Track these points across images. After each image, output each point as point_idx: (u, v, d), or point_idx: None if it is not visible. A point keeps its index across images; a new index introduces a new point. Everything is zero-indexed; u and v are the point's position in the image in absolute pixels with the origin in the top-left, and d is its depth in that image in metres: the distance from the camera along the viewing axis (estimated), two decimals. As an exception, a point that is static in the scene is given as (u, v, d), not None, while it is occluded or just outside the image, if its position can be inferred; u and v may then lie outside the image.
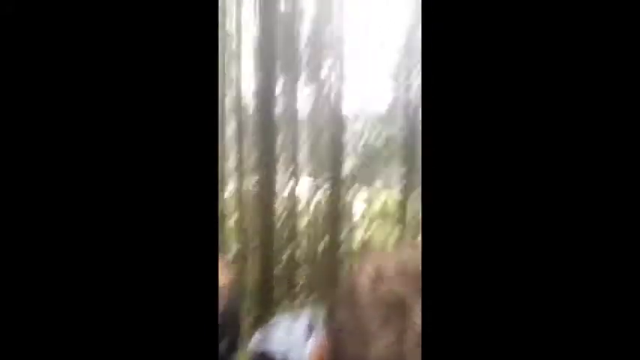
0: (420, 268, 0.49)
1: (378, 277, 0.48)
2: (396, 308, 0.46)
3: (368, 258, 0.53)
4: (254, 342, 0.66)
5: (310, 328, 0.65)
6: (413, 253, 0.51)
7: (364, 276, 0.48)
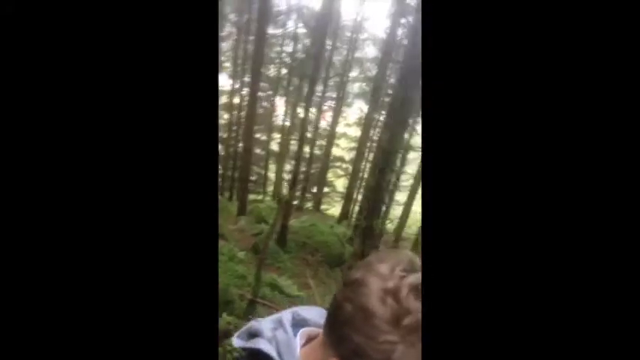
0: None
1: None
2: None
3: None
4: (241, 340, 0.64)
5: (296, 326, 0.64)
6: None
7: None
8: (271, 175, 13.34)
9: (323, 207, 13.22)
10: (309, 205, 12.91)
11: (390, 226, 11.97)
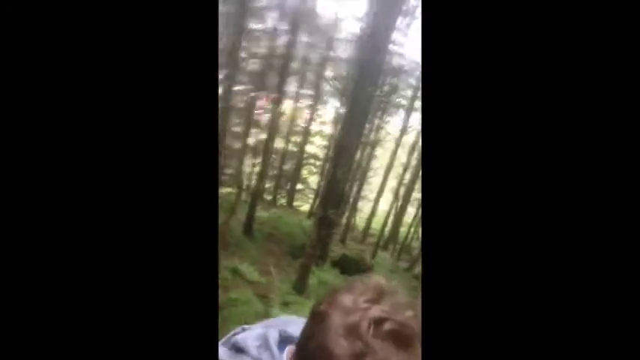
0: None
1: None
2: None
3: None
4: (225, 348, 0.64)
5: (283, 343, 0.64)
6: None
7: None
8: (247, 169, 13.41)
9: (296, 204, 13.35)
10: (282, 201, 13.03)
11: (359, 220, 12.20)
